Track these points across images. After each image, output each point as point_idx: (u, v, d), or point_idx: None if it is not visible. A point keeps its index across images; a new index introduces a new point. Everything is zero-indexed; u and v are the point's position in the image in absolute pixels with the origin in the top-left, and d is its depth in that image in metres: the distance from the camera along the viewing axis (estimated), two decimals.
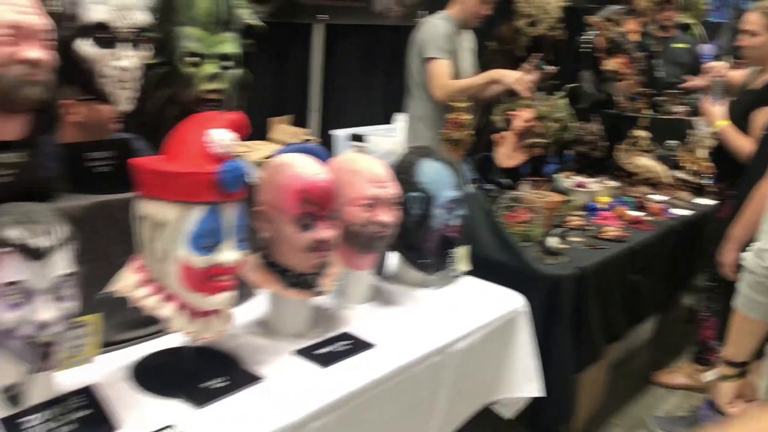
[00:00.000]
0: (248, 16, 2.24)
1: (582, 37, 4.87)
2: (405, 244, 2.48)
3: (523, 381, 2.54)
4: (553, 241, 3.01)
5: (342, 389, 1.87)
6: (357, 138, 5.66)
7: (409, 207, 2.41)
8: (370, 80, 6.18)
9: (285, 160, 2.02)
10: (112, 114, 2.70)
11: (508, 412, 2.65)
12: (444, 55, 3.89)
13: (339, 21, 5.52)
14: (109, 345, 1.85)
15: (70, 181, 1.99)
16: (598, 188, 4.14)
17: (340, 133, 5.72)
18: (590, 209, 3.86)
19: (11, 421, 1.49)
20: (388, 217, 2.21)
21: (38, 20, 1.71)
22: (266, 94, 5.30)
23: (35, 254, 1.41)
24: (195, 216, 1.63)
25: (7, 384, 1.44)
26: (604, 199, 4.03)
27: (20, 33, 1.67)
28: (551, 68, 4.03)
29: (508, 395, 2.55)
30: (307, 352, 2.01)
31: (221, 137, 1.68)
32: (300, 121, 5.58)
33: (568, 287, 2.83)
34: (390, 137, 5.46)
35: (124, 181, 2.04)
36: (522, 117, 3.95)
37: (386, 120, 5.99)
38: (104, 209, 1.96)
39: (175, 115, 2.19)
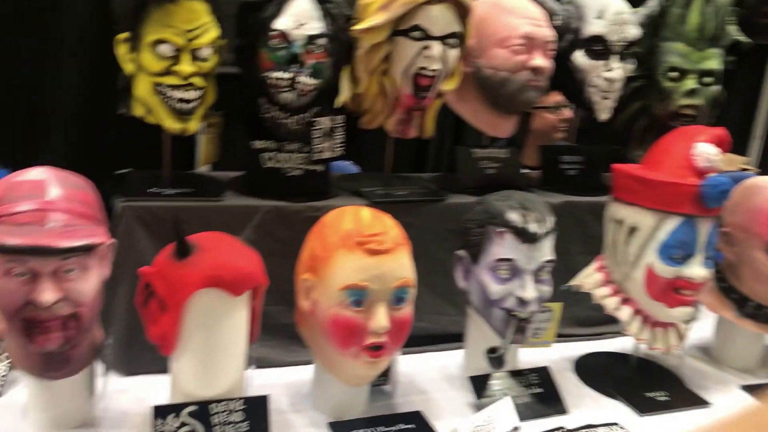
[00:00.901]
0: (736, 32, 2.16)
1: None
2: None
3: None
4: None
5: None
6: None
7: None
8: None
9: (760, 181, 1.91)
10: (557, 123, 2.86)
11: None
12: None
13: None
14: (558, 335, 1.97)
15: (543, 179, 2.18)
16: None
17: None
18: None
19: (481, 380, 1.70)
20: None
21: (547, 32, 1.91)
22: None
23: (529, 238, 1.59)
24: (670, 226, 1.65)
25: (491, 346, 1.65)
26: None
27: (531, 43, 1.89)
28: None
29: None
30: (757, 390, 1.87)
31: (707, 151, 1.66)
32: (739, 148, 5.15)
33: None
34: None
35: (589, 185, 2.17)
36: None
37: None
38: (570, 208, 2.10)
39: (643, 128, 2.24)
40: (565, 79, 2.04)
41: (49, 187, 1.30)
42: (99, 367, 1.51)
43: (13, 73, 2.01)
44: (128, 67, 1.64)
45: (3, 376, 1.57)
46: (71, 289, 1.28)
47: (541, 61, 1.89)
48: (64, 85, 2.02)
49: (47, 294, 1.24)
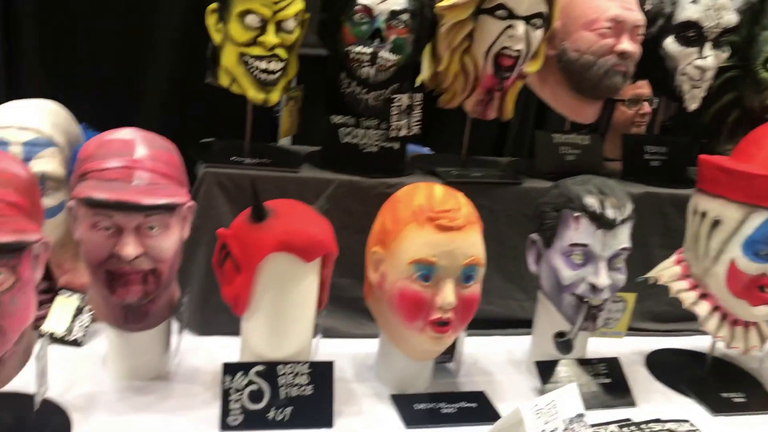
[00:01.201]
0: None
1: None
2: None
3: None
4: None
5: None
6: None
7: None
8: None
9: None
10: (635, 117, 2.73)
11: None
12: None
13: None
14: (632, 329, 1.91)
15: (625, 169, 2.11)
16: None
17: None
18: None
19: (548, 366, 1.67)
20: None
21: (637, 16, 1.85)
22: None
23: (605, 224, 1.55)
24: (758, 220, 1.57)
25: (559, 331, 1.62)
26: None
27: (619, 27, 1.84)
28: None
29: None
30: None
31: None
32: None
33: None
34: None
35: (673, 177, 2.10)
36: None
37: None
38: (651, 200, 2.03)
39: (735, 121, 2.15)
40: (654, 66, 1.97)
41: (137, 146, 1.35)
42: (175, 324, 1.57)
43: (109, 44, 2.11)
44: (216, 37, 1.69)
45: (86, 327, 1.66)
46: (152, 246, 1.34)
47: (628, 45, 1.83)
48: (157, 55, 2.10)
49: (129, 248, 1.30)
